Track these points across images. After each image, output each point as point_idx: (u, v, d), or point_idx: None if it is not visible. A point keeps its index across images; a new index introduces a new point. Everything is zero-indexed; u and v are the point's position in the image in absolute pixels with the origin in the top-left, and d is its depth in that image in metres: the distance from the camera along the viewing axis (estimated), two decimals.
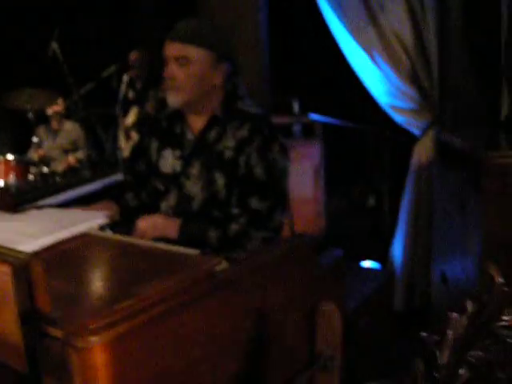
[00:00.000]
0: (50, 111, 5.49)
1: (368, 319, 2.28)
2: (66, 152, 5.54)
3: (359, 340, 2.19)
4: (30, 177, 5.05)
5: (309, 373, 1.40)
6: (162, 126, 2.29)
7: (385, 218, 4.24)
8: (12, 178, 4.92)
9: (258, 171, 2.06)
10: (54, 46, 5.45)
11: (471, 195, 3.06)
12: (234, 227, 2.03)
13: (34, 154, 5.45)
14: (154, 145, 2.28)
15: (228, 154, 2.10)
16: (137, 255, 1.41)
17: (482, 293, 0.87)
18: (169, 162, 2.22)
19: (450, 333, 0.87)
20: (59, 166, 5.43)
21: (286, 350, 1.45)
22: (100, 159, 5.67)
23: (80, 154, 5.61)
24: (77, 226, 1.49)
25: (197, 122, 2.19)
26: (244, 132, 2.10)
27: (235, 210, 2.08)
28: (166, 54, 2.09)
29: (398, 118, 3.33)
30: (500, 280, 0.86)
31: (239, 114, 2.14)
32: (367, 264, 3.75)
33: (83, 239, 1.47)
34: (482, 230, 2.63)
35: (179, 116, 2.22)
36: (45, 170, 5.13)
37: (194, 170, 2.14)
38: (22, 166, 5.03)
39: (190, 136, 2.19)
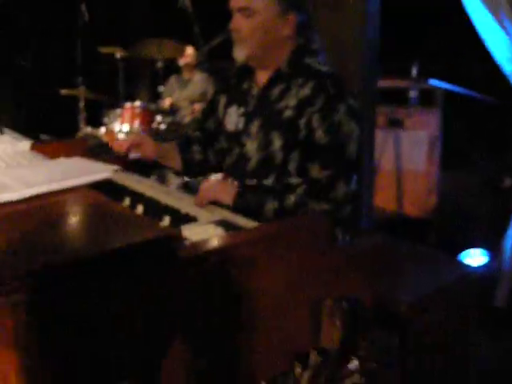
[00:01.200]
0: (181, 62, 5.55)
1: (435, 316, 2.00)
2: (193, 103, 5.58)
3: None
4: (155, 124, 5.19)
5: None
6: (231, 82, 2.16)
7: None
8: (136, 124, 5.08)
9: (320, 134, 1.85)
10: None
11: None
12: (291, 198, 1.85)
13: (163, 103, 5.58)
14: (222, 101, 2.18)
15: (288, 113, 1.91)
16: (104, 217, 1.27)
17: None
18: (233, 119, 2.10)
19: None
20: (187, 117, 5.49)
21: (279, 342, 1.28)
22: None
23: None
24: (77, 179, 1.42)
25: (263, 77, 2.03)
26: (307, 90, 1.90)
27: (294, 180, 1.90)
28: (230, 5, 1.94)
29: None
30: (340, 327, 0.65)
31: (306, 70, 1.94)
32: (476, 252, 3.40)
33: (75, 194, 1.39)
34: None
35: (248, 71, 2.08)
36: (170, 119, 5.23)
37: (254, 127, 1.99)
38: (148, 114, 5.17)
39: (254, 92, 2.05)
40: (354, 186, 2.05)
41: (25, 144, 2.08)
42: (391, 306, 1.95)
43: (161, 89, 5.43)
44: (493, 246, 3.35)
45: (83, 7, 5.38)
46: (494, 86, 3.46)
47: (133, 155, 2.10)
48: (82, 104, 5.58)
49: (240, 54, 1.98)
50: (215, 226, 1.54)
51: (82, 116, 5.59)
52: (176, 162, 2.23)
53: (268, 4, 1.88)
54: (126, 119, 5.11)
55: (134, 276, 1.07)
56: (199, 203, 1.81)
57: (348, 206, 2.03)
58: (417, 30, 4.68)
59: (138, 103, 5.18)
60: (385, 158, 4.00)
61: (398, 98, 3.99)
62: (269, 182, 1.97)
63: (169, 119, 5.25)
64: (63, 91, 5.40)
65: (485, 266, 3.40)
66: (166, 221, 1.53)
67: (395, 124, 3.91)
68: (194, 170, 2.31)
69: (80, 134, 5.10)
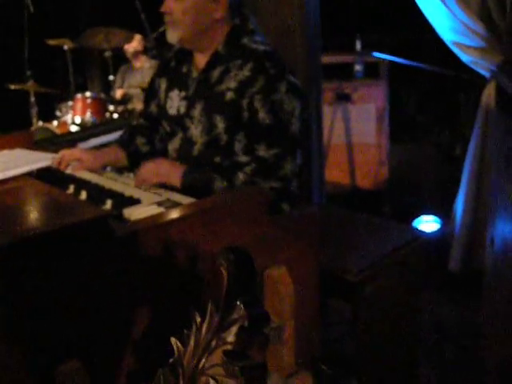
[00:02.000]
0: (129, 49, 5.50)
1: (383, 283, 2.07)
2: (144, 90, 5.55)
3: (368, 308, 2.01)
4: (107, 114, 5.15)
5: None
6: (171, 66, 2.17)
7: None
8: (88, 114, 5.04)
9: (263, 115, 1.89)
10: None
11: None
12: (240, 177, 1.88)
13: (114, 92, 5.54)
14: (163, 85, 2.18)
15: (229, 95, 1.94)
16: (44, 203, 1.29)
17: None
18: (174, 103, 2.11)
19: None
20: (139, 105, 5.46)
21: None
22: None
23: None
24: (19, 169, 1.44)
25: (201, 60, 2.05)
26: (246, 72, 1.92)
27: (242, 158, 1.93)
28: None
29: (464, 57, 2.97)
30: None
31: (244, 51, 1.96)
32: (429, 219, 3.48)
33: (17, 183, 1.40)
34: None
35: (186, 54, 2.09)
36: (122, 108, 5.20)
37: (196, 111, 2.01)
38: (99, 103, 5.13)
39: (194, 75, 2.06)
40: (299, 161, 2.10)
41: None
42: (340, 274, 2.03)
43: (111, 78, 5.38)
44: (445, 213, 3.44)
45: None
46: (439, 56, 3.54)
47: (74, 170, 2.05)
48: (32, 98, 5.50)
49: (173, 36, 1.99)
50: (157, 206, 1.58)
51: (34, 110, 5.51)
52: (123, 160, 2.21)
53: None
54: (78, 110, 5.07)
55: (73, 255, 1.09)
56: (139, 184, 1.83)
57: (294, 180, 2.08)
58: (358, 3, 4.74)
59: (88, 94, 5.15)
60: (335, 133, 4.05)
61: (343, 72, 4.04)
62: (216, 160, 2.00)
63: (121, 108, 5.22)
64: (12, 86, 5.31)
65: (438, 231, 3.49)
66: (108, 204, 1.55)
67: (343, 99, 3.96)
68: (140, 163, 2.31)
69: (33, 128, 5.03)
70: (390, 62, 3.72)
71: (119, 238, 1.15)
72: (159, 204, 1.59)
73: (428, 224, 3.55)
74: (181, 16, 1.92)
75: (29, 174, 1.69)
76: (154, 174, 1.91)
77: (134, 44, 5.45)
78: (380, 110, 3.91)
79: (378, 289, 2.05)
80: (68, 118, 5.10)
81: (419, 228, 3.38)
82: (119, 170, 2.32)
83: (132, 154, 2.22)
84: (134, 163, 2.22)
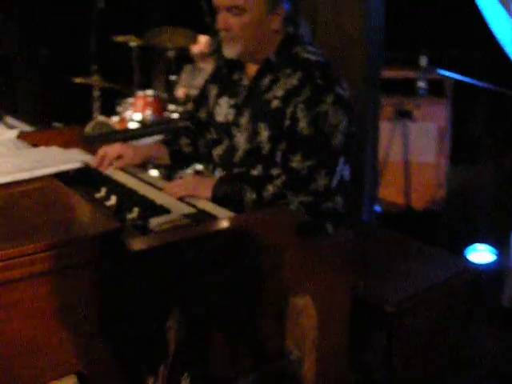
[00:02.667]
0: (194, 50, 5.49)
1: (424, 316, 1.94)
2: None
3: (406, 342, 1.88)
4: (167, 113, 5.15)
5: (256, 374, 1.18)
6: (223, 72, 2.13)
7: None
8: (148, 112, 5.06)
9: (302, 125, 1.82)
10: None
11: None
12: (269, 189, 1.82)
13: (176, 92, 5.54)
14: (213, 92, 2.15)
15: (275, 104, 1.89)
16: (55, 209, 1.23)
17: None
18: (223, 110, 2.07)
19: None
20: None
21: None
22: None
23: None
24: (46, 169, 1.40)
25: (252, 68, 2.02)
26: (294, 81, 1.86)
27: (275, 170, 1.86)
28: (215, 3, 1.89)
29: None
30: None
31: (294, 59, 1.89)
32: (483, 248, 3.29)
33: (38, 184, 1.36)
34: None
35: (238, 62, 2.03)
36: (183, 108, 5.19)
37: (244, 119, 1.96)
38: (159, 102, 5.14)
39: (244, 83, 2.01)
40: (346, 177, 2.00)
41: (12, 133, 2.07)
42: (377, 303, 1.91)
43: (172, 78, 5.38)
44: (502, 243, 3.25)
45: None
46: (508, 75, 3.36)
47: (116, 166, 2.04)
48: (96, 93, 5.57)
49: (230, 52, 1.94)
50: (184, 218, 1.51)
51: (96, 104, 5.59)
52: (165, 158, 2.18)
53: (257, 1, 1.84)
54: (138, 108, 5.09)
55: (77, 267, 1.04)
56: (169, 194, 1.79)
57: (337, 197, 1.99)
58: (425, 18, 4.55)
59: (149, 92, 5.16)
60: (392, 150, 3.91)
61: (406, 88, 3.89)
62: (255, 172, 1.94)
63: (181, 108, 5.21)
64: (77, 79, 5.39)
65: (491, 263, 3.31)
66: (135, 212, 1.50)
67: (403, 115, 3.82)
68: (182, 163, 2.28)
69: (92, 122, 5.08)
70: (455, 80, 3.55)
71: (128, 252, 1.09)
72: (187, 216, 1.52)
73: (482, 253, 3.37)
74: (240, 32, 1.87)
75: (62, 174, 1.65)
76: (183, 187, 1.85)
77: (200, 45, 5.43)
78: (441, 129, 3.75)
79: (418, 321, 1.93)
80: (128, 114, 5.12)
81: (471, 258, 3.21)
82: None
83: (174, 152, 2.19)
84: (175, 162, 2.22)
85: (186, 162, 2.30)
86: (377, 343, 1.96)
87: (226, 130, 2.04)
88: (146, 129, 4.02)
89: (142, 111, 5.07)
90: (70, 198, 1.25)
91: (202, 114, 2.24)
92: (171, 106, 5.21)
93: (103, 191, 1.69)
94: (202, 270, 1.16)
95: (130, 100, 5.20)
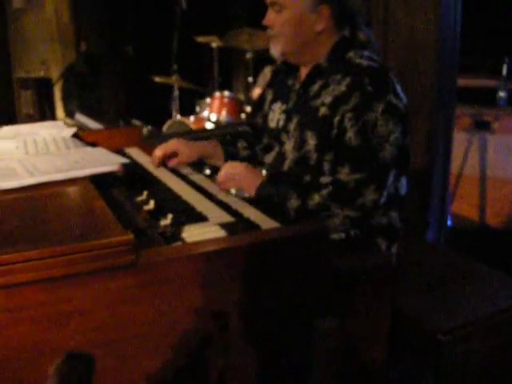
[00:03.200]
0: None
1: (478, 346, 1.79)
2: None
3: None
4: (243, 115, 5.14)
5: None
6: (279, 78, 2.07)
7: None
8: (224, 114, 5.06)
9: (350, 135, 1.72)
10: None
11: None
12: (315, 198, 1.73)
13: (254, 94, 5.53)
14: (269, 97, 2.10)
15: (322, 111, 1.80)
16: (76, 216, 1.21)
17: None
18: (275, 115, 2.02)
19: None
20: None
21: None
22: None
23: None
24: (82, 171, 1.39)
25: (304, 73, 1.94)
26: (342, 87, 1.77)
27: (324, 179, 1.77)
28: (264, 0, 1.85)
29: None
30: None
31: (346, 65, 1.80)
32: None
33: (71, 186, 1.35)
34: None
35: (294, 66, 1.98)
36: None
37: (292, 126, 1.90)
38: (236, 104, 5.13)
39: (296, 88, 1.95)
40: (403, 190, 1.89)
41: (68, 131, 2.09)
42: (429, 331, 1.79)
43: (250, 79, 5.36)
44: None
45: None
46: None
47: (171, 164, 2.03)
48: (176, 92, 5.64)
49: (274, 49, 1.90)
50: (219, 228, 1.45)
51: (175, 104, 5.66)
52: (220, 158, 2.14)
53: None
54: (215, 108, 5.11)
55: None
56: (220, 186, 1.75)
57: (391, 212, 1.88)
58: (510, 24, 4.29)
59: (226, 93, 5.16)
60: (468, 163, 3.71)
61: (485, 98, 3.69)
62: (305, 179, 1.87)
63: None
64: (157, 79, 5.47)
65: None
66: (168, 219, 1.46)
67: (482, 127, 3.61)
68: None
69: (169, 121, 5.15)
70: None
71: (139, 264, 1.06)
72: (223, 226, 1.47)
73: None
74: (281, 29, 1.82)
75: (103, 175, 1.64)
76: (231, 179, 1.80)
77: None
78: None
79: (472, 352, 1.79)
80: (205, 114, 5.15)
81: None
82: None
83: (230, 153, 2.14)
84: None
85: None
86: (425, 371, 1.84)
87: (277, 136, 1.99)
88: (205, 132, 4.01)
89: (218, 112, 5.09)
90: (95, 204, 1.22)
91: (259, 120, 2.19)
92: (248, 108, 5.20)
93: (144, 194, 1.67)
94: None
95: (208, 100, 5.23)
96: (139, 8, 6.70)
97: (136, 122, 5.33)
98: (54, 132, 2.16)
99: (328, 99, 1.79)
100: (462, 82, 2.98)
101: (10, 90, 9.46)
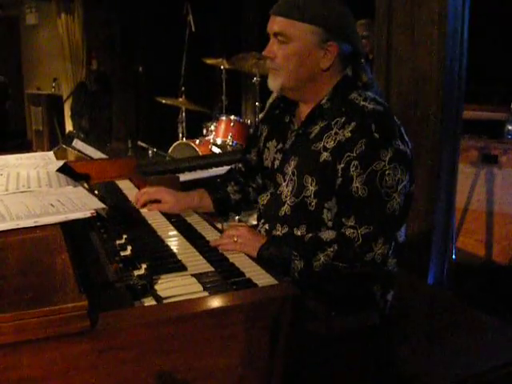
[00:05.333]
0: None
1: None
2: None
3: None
4: None
5: None
6: (275, 113, 1.97)
7: None
8: (229, 138, 5.00)
9: (357, 186, 1.60)
10: None
11: None
12: (320, 259, 1.60)
13: (258, 118, 5.48)
14: (264, 134, 2.00)
15: (324, 156, 1.67)
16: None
17: None
18: (271, 154, 1.92)
19: None
20: None
21: None
22: None
23: None
24: (54, 217, 1.33)
25: (304, 112, 1.80)
26: (347, 132, 1.64)
27: (326, 234, 1.65)
28: (267, 28, 1.75)
29: None
30: None
31: (350, 107, 1.69)
32: None
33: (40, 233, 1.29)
34: None
35: (292, 103, 1.87)
36: None
37: (289, 168, 1.79)
38: (242, 128, 5.08)
39: (294, 127, 1.84)
40: (402, 238, 1.80)
41: (55, 165, 2.03)
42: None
43: (257, 104, 5.29)
44: None
45: (190, 18, 5.40)
46: None
47: (151, 209, 1.95)
48: (182, 114, 5.61)
49: (273, 83, 1.76)
50: (195, 281, 1.37)
51: (182, 126, 5.62)
52: (209, 207, 2.04)
53: (306, 31, 1.65)
54: (220, 132, 5.06)
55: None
56: (215, 246, 1.66)
57: (390, 261, 1.79)
58: None
59: (233, 117, 5.11)
60: (474, 198, 3.61)
61: (493, 131, 3.60)
62: (299, 232, 1.76)
63: None
64: (164, 100, 5.44)
65: None
66: (142, 270, 1.38)
67: (489, 160, 3.52)
68: (228, 211, 2.14)
69: (175, 144, 5.11)
70: None
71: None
72: (199, 277, 1.38)
73: None
74: (283, 62, 1.69)
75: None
76: (233, 241, 1.70)
77: None
78: None
79: None
80: (211, 137, 5.10)
81: None
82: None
83: (219, 200, 2.04)
84: (221, 210, 2.06)
85: (234, 210, 2.16)
86: None
87: (271, 176, 1.88)
88: (199, 160, 3.94)
89: (224, 136, 5.04)
90: (58, 258, 1.15)
91: (253, 156, 2.09)
92: None
93: (124, 238, 1.60)
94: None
95: (214, 123, 5.18)
96: (150, 28, 6.69)
97: (142, 144, 5.29)
98: (41, 164, 2.11)
99: (330, 144, 1.68)
100: (469, 114, 2.89)
101: (22, 106, 9.53)
